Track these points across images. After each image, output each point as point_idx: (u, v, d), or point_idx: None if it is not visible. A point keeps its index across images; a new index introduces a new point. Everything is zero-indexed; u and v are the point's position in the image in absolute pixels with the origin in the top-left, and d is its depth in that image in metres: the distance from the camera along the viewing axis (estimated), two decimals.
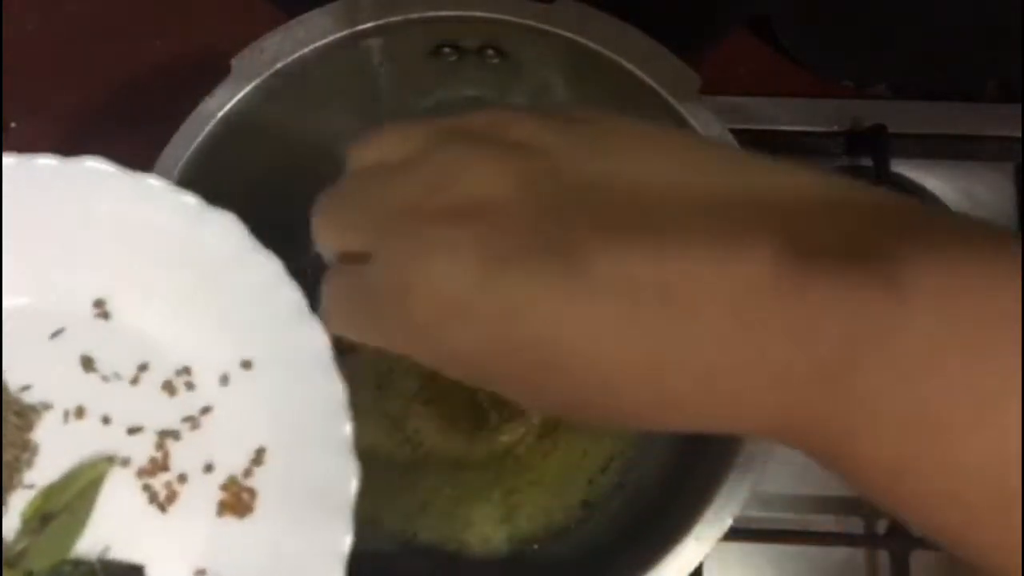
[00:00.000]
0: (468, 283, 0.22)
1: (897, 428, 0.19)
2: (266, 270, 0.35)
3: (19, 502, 0.36)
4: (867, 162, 0.53)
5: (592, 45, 0.43)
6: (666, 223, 0.21)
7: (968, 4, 0.53)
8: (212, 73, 0.43)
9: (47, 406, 0.37)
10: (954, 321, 0.19)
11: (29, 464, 0.36)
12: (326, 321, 0.29)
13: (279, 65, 0.43)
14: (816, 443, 0.21)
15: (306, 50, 0.43)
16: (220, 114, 0.43)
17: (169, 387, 0.37)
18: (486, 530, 0.50)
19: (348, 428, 0.34)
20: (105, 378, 0.37)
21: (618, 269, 0.21)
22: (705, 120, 0.42)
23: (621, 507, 0.49)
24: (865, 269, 0.19)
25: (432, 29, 0.44)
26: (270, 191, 0.50)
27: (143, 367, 0.37)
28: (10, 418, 0.36)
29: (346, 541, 0.34)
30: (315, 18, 0.43)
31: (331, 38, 0.43)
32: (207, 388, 0.37)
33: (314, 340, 0.34)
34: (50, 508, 0.36)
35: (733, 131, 0.42)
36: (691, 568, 0.39)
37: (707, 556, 0.39)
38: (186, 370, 0.37)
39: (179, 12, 0.57)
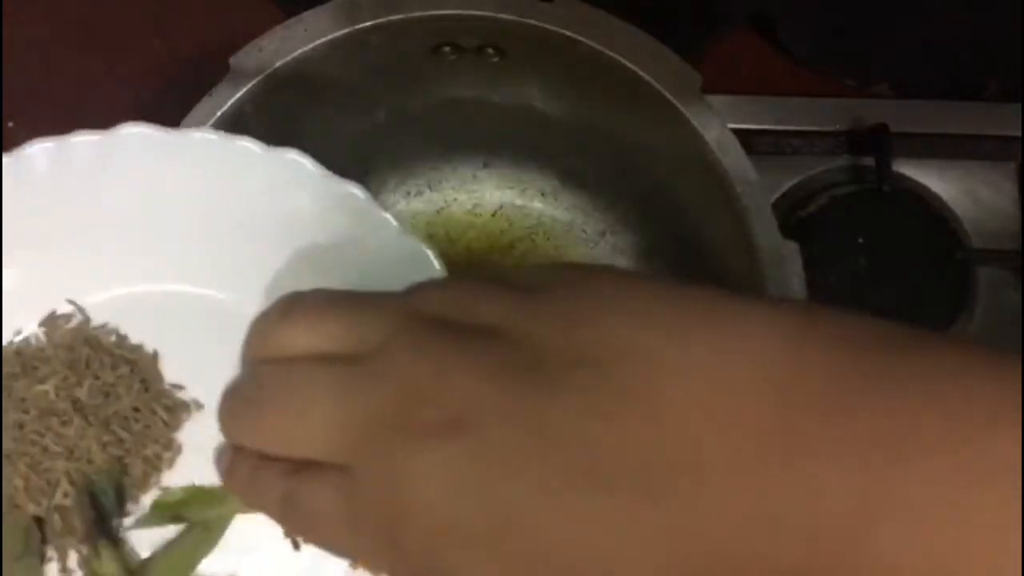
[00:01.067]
0: (467, 504, 0.20)
1: None
2: (428, 272, 0.34)
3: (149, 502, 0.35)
4: (869, 162, 0.53)
5: (592, 45, 0.43)
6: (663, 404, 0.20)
7: (969, 4, 0.53)
8: (211, 72, 0.43)
9: (199, 406, 0.36)
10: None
11: (170, 464, 0.35)
12: (285, 523, 0.25)
13: (278, 64, 0.43)
14: None
15: (305, 49, 0.43)
16: (219, 113, 0.42)
17: None
18: None
19: None
20: None
21: (624, 462, 0.20)
22: (706, 119, 0.42)
23: None
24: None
25: (432, 28, 0.44)
26: None
27: None
28: (159, 412, 0.35)
29: None
30: (315, 17, 0.43)
31: (330, 37, 0.43)
32: None
33: None
34: (186, 514, 0.34)
35: (734, 130, 0.42)
36: None
37: None
38: None
39: (178, 11, 0.57)
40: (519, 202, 0.55)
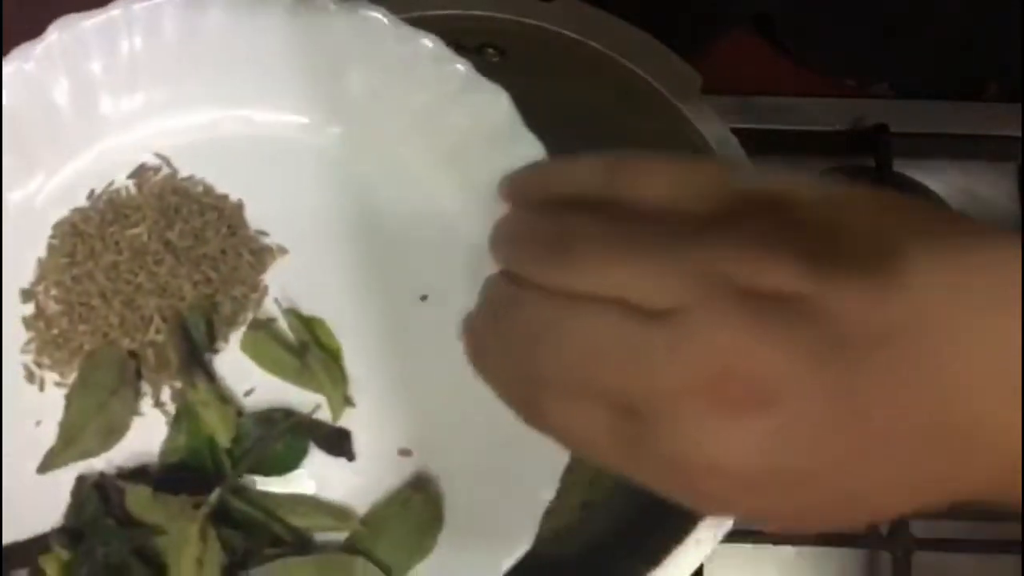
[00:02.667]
0: (776, 470, 0.21)
1: None
2: (532, 152, 0.35)
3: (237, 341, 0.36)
4: (869, 162, 0.53)
5: (592, 44, 0.43)
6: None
7: (969, 4, 0.53)
8: None
9: (283, 251, 0.37)
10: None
11: (257, 305, 0.36)
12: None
13: None
14: None
15: None
16: None
17: (398, 254, 0.36)
18: None
19: None
20: (341, 230, 0.37)
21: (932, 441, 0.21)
22: (707, 119, 0.42)
23: (622, 508, 0.49)
24: None
25: (432, 28, 0.44)
26: None
27: (376, 227, 0.37)
28: (245, 256, 0.36)
29: (564, 459, 0.33)
30: None
31: None
32: (438, 265, 0.36)
33: None
34: (303, 339, 0.36)
35: (735, 130, 0.42)
36: (692, 570, 0.39)
37: (707, 558, 0.39)
38: (415, 239, 0.37)
39: None
40: None
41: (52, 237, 0.37)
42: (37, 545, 0.33)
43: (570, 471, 0.51)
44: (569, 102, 0.48)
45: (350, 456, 0.35)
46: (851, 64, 0.56)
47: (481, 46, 0.45)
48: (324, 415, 0.35)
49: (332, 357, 0.36)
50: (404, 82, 0.37)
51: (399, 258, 0.37)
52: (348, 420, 0.35)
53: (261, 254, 0.37)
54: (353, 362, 0.36)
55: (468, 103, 0.36)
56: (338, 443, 0.35)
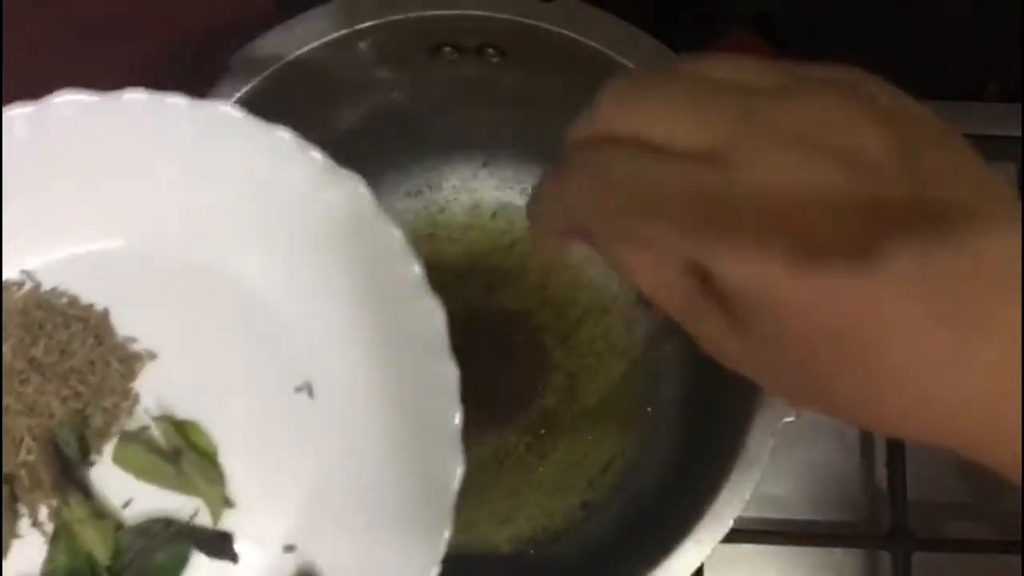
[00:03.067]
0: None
1: None
2: (389, 240, 0.34)
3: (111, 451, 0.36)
4: None
5: (592, 44, 0.43)
6: None
7: (969, 4, 0.53)
8: (211, 72, 0.43)
9: (152, 356, 0.37)
10: None
11: (129, 413, 0.36)
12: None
13: (278, 64, 0.43)
14: None
15: (305, 49, 0.43)
16: None
17: (270, 348, 0.36)
18: (486, 531, 0.49)
19: (458, 416, 0.33)
20: (210, 330, 0.36)
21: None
22: None
23: (622, 509, 0.49)
24: None
25: (432, 28, 0.44)
26: None
27: (245, 325, 0.36)
28: (113, 365, 0.36)
29: (444, 536, 0.32)
30: (314, 17, 0.43)
31: (330, 37, 0.43)
32: (311, 357, 0.36)
33: (432, 319, 0.33)
34: (176, 444, 0.35)
35: None
36: (692, 570, 0.39)
37: (708, 558, 0.39)
38: (288, 334, 0.36)
39: (177, 10, 0.57)
40: (519, 202, 0.55)
41: None
42: None
43: (570, 471, 0.51)
44: (569, 102, 0.48)
45: (233, 559, 0.35)
46: (850, 64, 0.56)
47: (481, 46, 0.45)
48: (205, 517, 0.35)
49: (208, 459, 0.36)
50: (260, 179, 0.36)
51: (271, 352, 0.36)
52: (229, 521, 0.35)
53: (130, 361, 0.36)
54: (230, 461, 0.36)
55: (326, 195, 0.35)
56: (220, 546, 0.35)
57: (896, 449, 0.47)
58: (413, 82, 0.48)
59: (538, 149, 0.52)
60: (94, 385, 0.36)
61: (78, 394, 0.36)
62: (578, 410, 0.51)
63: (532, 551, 0.49)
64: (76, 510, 0.34)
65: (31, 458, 0.35)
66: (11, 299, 0.37)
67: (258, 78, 0.43)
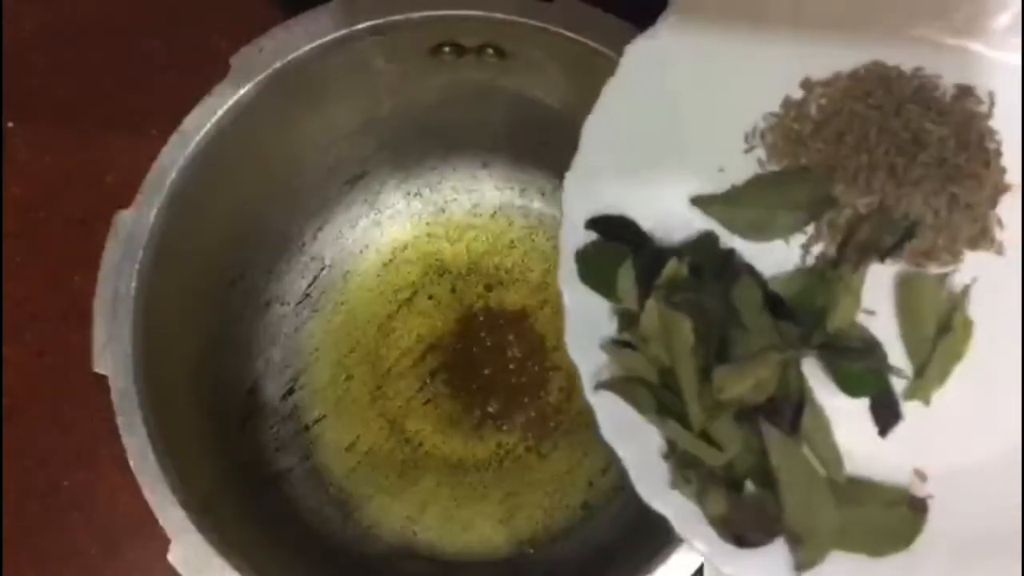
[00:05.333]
0: None
1: None
2: None
3: None
4: None
5: (592, 44, 0.43)
6: None
7: None
8: (211, 72, 0.43)
9: None
10: None
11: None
12: None
13: (278, 64, 0.43)
14: None
15: (305, 49, 0.43)
16: (219, 113, 0.42)
17: None
18: (486, 531, 0.49)
19: None
20: None
21: None
22: None
23: (621, 509, 0.49)
24: None
25: (432, 28, 0.44)
26: (270, 192, 0.50)
27: None
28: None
29: None
30: (314, 17, 0.43)
31: (330, 37, 0.43)
32: None
33: None
34: None
35: None
36: (691, 571, 0.39)
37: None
38: None
39: (178, 11, 0.57)
40: (519, 202, 0.55)
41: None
42: None
43: (570, 471, 0.51)
44: (569, 102, 0.48)
45: (896, 416, 0.33)
46: None
47: (481, 46, 0.46)
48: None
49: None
50: None
51: None
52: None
53: None
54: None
55: None
56: (890, 402, 0.33)
57: None
58: (413, 82, 0.48)
59: (538, 149, 0.52)
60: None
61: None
62: (578, 410, 0.51)
63: (532, 551, 0.49)
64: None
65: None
66: None
67: (259, 78, 0.43)
